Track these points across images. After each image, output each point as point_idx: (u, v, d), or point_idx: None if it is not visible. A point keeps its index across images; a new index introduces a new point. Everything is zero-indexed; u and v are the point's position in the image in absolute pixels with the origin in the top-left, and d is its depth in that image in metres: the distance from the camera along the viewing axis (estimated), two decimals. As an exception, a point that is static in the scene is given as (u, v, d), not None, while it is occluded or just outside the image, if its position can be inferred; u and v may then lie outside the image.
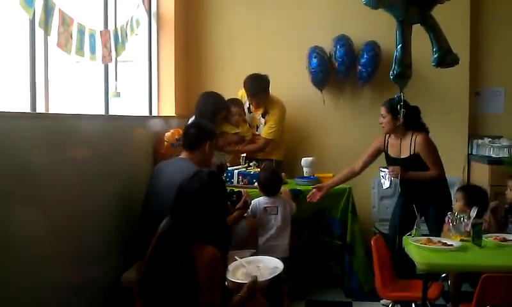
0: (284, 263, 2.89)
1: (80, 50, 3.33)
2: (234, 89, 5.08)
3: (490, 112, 5.53)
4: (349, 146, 4.95)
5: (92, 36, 3.49)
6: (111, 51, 3.83)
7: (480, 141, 5.26)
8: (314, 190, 4.18)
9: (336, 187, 4.25)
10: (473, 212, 3.25)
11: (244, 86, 4.89)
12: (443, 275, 3.66)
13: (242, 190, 3.92)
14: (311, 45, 5.28)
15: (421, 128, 4.00)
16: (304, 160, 4.68)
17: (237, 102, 4.90)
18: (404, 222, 3.62)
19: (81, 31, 3.33)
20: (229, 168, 4.43)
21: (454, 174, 5.18)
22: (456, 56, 3.31)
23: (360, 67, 5.19)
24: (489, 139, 5.20)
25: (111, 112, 4.07)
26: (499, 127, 5.43)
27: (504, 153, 5.01)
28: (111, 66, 4.06)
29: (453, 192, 4.11)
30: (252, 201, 3.94)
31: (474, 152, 5.32)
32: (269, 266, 2.82)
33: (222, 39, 5.59)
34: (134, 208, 3.64)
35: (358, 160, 4.25)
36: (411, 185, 3.80)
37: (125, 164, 3.78)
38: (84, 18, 3.41)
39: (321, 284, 4.50)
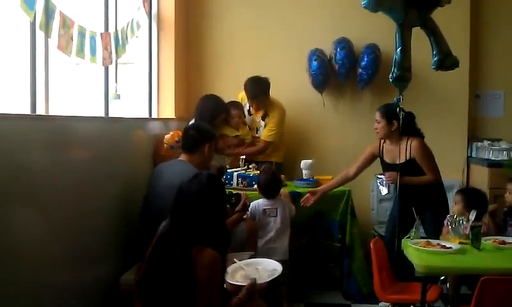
0: (283, 266, 2.90)
1: (80, 52, 3.34)
2: (234, 92, 5.09)
3: (490, 115, 5.54)
4: (348, 149, 4.95)
5: (93, 39, 3.50)
6: (111, 53, 3.84)
7: (479, 144, 5.26)
8: (308, 194, 4.18)
9: (336, 189, 4.25)
10: (472, 215, 3.26)
11: (245, 89, 4.89)
12: (442, 277, 3.66)
13: (241, 192, 3.92)
14: (311, 47, 5.29)
15: (416, 133, 4.00)
16: (304, 163, 4.69)
17: (237, 105, 4.90)
18: (401, 225, 3.63)
19: (82, 33, 3.34)
20: (228, 170, 4.44)
21: (453, 176, 5.19)
22: (456, 59, 3.32)
23: (360, 70, 5.19)
24: (489, 142, 5.20)
25: (111, 114, 4.07)
26: (499, 130, 5.44)
27: (503, 156, 5.02)
28: (111, 68, 4.07)
29: (452, 194, 4.11)
30: (251, 204, 3.94)
31: (474, 155, 5.32)
32: (268, 268, 2.82)
33: (222, 41, 5.60)
34: (134, 210, 3.65)
35: (352, 166, 4.25)
36: (407, 190, 3.80)
37: (124, 166, 3.79)
38: (85, 21, 3.41)
39: (320, 287, 4.50)
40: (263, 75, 4.85)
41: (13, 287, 2.44)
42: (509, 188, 3.84)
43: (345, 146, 5.20)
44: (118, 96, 4.09)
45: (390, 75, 3.22)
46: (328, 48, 5.28)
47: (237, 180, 4.37)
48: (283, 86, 5.16)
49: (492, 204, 3.95)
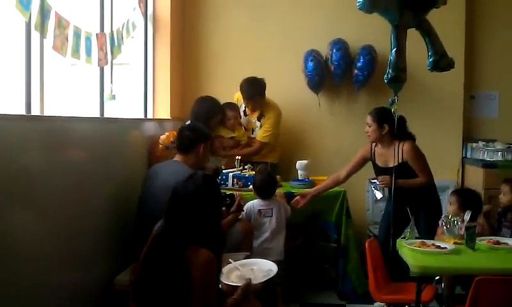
0: (279, 266, 2.90)
1: (76, 52, 3.33)
2: (230, 92, 5.09)
3: (485, 116, 5.56)
4: (344, 150, 4.94)
5: (88, 39, 3.50)
6: (106, 54, 3.84)
7: (474, 145, 5.28)
8: (298, 197, 4.18)
9: (331, 190, 4.26)
10: (467, 216, 3.27)
11: (240, 89, 4.89)
12: (437, 278, 3.67)
13: (235, 193, 3.92)
14: (307, 48, 5.30)
15: (407, 136, 4.01)
16: (299, 163, 4.69)
17: (232, 106, 4.90)
18: (395, 225, 3.64)
19: (77, 34, 3.33)
20: (224, 171, 4.44)
21: (448, 177, 5.21)
22: (451, 60, 3.33)
23: (356, 71, 5.20)
24: (484, 143, 5.22)
25: (106, 115, 4.06)
26: (493, 131, 5.46)
27: (497, 157, 5.04)
28: (107, 68, 4.06)
29: (447, 195, 4.12)
30: (246, 204, 3.94)
31: (468, 155, 5.34)
32: (263, 269, 2.82)
33: (218, 42, 5.60)
34: (129, 211, 3.64)
35: (343, 169, 4.25)
36: (401, 192, 3.81)
37: (120, 167, 3.78)
38: (80, 21, 3.41)
39: (315, 287, 4.50)
40: (259, 76, 4.86)
41: (6, 288, 2.43)
42: (504, 190, 3.85)
43: (340, 147, 5.20)
44: (114, 97, 4.08)
45: (385, 76, 3.23)
46: (324, 49, 5.29)
47: (233, 181, 4.37)
48: (279, 86, 5.16)
49: (487, 204, 3.96)
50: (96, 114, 4.01)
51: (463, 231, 3.19)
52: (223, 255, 2.72)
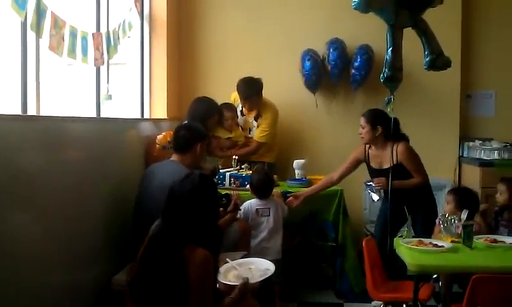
0: (276, 265, 2.91)
1: (72, 52, 3.32)
2: (227, 92, 5.08)
3: (481, 115, 5.57)
4: (341, 149, 4.91)
5: (84, 39, 3.49)
6: (103, 54, 3.83)
7: (471, 144, 5.28)
8: (291, 198, 4.18)
9: (328, 189, 4.25)
10: (464, 215, 3.27)
11: (237, 89, 4.89)
12: (435, 276, 3.67)
13: (231, 192, 3.91)
14: (304, 48, 5.30)
15: (401, 137, 4.00)
16: (296, 163, 4.69)
17: (230, 107, 4.90)
18: (392, 225, 3.64)
19: (73, 34, 3.32)
20: (221, 170, 4.43)
21: (445, 176, 5.22)
22: (448, 59, 3.34)
23: (353, 70, 5.20)
24: (480, 142, 5.23)
25: (102, 115, 4.06)
26: (490, 130, 5.47)
27: (494, 156, 5.04)
28: (103, 68, 4.05)
29: (444, 194, 4.13)
30: (244, 204, 3.94)
31: (465, 154, 5.34)
32: (260, 268, 2.82)
33: (215, 42, 5.60)
34: (126, 211, 3.63)
35: (336, 170, 4.25)
36: (396, 194, 3.80)
37: (117, 166, 3.78)
38: (77, 21, 3.40)
39: (313, 286, 4.51)
40: (256, 76, 4.85)
41: (11, 287, 2.44)
42: (500, 189, 3.86)
43: (337, 146, 5.18)
44: (110, 97, 4.08)
45: (381, 75, 3.23)
46: (321, 49, 5.29)
47: (230, 180, 4.37)
48: (276, 86, 5.16)
49: (484, 203, 3.97)
50: (92, 114, 4.00)
51: (460, 230, 3.19)
52: (220, 254, 2.72)
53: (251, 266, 2.86)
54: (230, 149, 4.82)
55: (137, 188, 3.68)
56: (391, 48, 3.16)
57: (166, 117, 5.12)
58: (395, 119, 3.92)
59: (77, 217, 3.13)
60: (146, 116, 5.12)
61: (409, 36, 3.25)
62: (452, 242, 3.14)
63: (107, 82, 4.11)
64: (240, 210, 3.87)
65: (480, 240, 3.18)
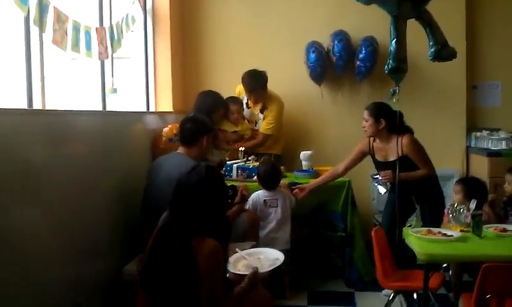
0: (285, 255, 2.91)
1: (75, 46, 3.31)
2: (232, 85, 5.07)
3: (488, 106, 5.53)
4: (347, 140, 4.90)
5: (87, 33, 3.48)
6: (107, 48, 3.82)
7: (478, 134, 5.26)
8: (297, 190, 4.17)
9: (336, 180, 4.24)
10: (473, 204, 3.25)
11: (242, 82, 4.88)
12: (445, 265, 3.66)
13: (237, 184, 3.90)
14: (309, 40, 5.27)
15: (405, 130, 3.97)
16: (303, 154, 4.69)
17: (236, 100, 4.90)
18: (400, 215, 3.62)
19: (76, 28, 3.31)
20: (228, 162, 4.43)
21: (453, 166, 5.19)
22: (453, 50, 3.30)
23: (358, 62, 5.18)
24: (488, 132, 5.20)
25: (108, 109, 4.05)
26: (497, 120, 5.43)
27: (502, 146, 5.02)
28: (108, 62, 4.05)
29: (452, 184, 4.10)
30: (252, 195, 3.95)
31: (473, 145, 5.31)
32: (269, 257, 2.83)
33: (219, 34, 5.58)
34: (134, 203, 3.63)
35: (341, 162, 4.23)
36: (403, 186, 3.78)
37: (123, 160, 3.78)
38: (79, 15, 3.39)
39: (323, 275, 4.51)
40: (261, 68, 4.84)
41: (14, 281, 2.43)
42: (508, 179, 3.84)
43: (343, 137, 5.17)
44: (115, 91, 4.07)
45: (386, 66, 3.21)
46: (326, 41, 5.27)
47: (237, 172, 4.37)
48: (281, 78, 5.15)
49: (492, 193, 3.94)
50: (98, 107, 4.00)
51: (469, 219, 3.17)
52: (229, 245, 2.71)
53: (261, 256, 2.86)
54: (236, 142, 4.81)
55: (144, 180, 3.68)
56: (395, 40, 3.14)
57: (171, 110, 5.11)
58: (399, 113, 3.89)
59: (84, 210, 3.13)
60: (152, 109, 5.12)
61: (414, 27, 3.23)
62: (461, 231, 3.12)
63: (112, 76, 4.10)
64: (248, 201, 3.86)
65: (489, 229, 3.16)
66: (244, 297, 2.50)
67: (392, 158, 3.90)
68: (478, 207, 3.30)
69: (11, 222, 2.43)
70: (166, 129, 4.29)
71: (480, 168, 4.97)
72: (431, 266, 2.95)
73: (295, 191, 4.16)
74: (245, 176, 4.32)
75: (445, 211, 3.42)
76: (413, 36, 3.23)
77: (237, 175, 4.35)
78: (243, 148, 4.62)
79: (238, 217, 3.64)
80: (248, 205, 3.91)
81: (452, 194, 3.95)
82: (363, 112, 4.07)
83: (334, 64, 5.22)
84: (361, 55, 5.16)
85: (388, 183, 4.05)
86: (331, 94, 5.45)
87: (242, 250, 2.87)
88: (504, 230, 3.17)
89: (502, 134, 5.12)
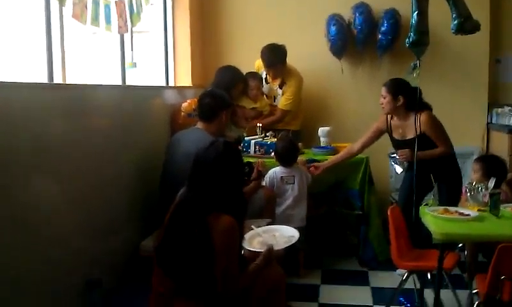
0: (301, 233, 2.92)
1: (95, 20, 3.32)
2: (251, 59, 5.05)
3: (511, 81, 5.41)
4: (366, 116, 4.84)
5: (107, 7, 3.48)
6: (126, 21, 3.82)
7: (500, 110, 5.15)
8: (312, 168, 4.15)
9: (354, 157, 4.22)
10: (491, 183, 3.21)
11: (261, 57, 4.85)
12: (460, 245, 3.64)
13: (253, 160, 3.90)
14: (329, 12, 5.20)
15: (424, 106, 3.90)
16: (321, 130, 4.67)
17: (255, 76, 4.86)
18: (417, 192, 3.59)
19: (96, 2, 3.31)
20: (246, 138, 4.44)
21: (473, 143, 5.13)
22: (477, 22, 3.23)
23: (380, 35, 5.10)
24: (510, 108, 5.08)
25: (128, 83, 4.07)
26: (520, 96, 5.33)
27: (524, 123, 4.92)
28: (127, 36, 4.05)
29: (471, 161, 4.05)
30: (269, 171, 3.96)
31: (494, 121, 5.22)
32: (285, 235, 2.85)
33: (238, 8, 5.54)
34: (153, 178, 3.68)
35: (357, 141, 4.19)
36: (420, 164, 3.74)
37: (142, 134, 3.82)
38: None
39: (337, 254, 4.52)
40: (280, 42, 4.80)
41: (33, 257, 2.49)
42: None
43: (363, 113, 5.11)
44: (135, 65, 4.08)
45: (407, 39, 3.17)
46: (347, 14, 5.20)
47: (255, 148, 4.37)
48: (301, 52, 5.10)
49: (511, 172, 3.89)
50: (118, 82, 4.02)
51: (487, 198, 3.14)
52: (245, 221, 2.73)
53: (276, 233, 2.88)
54: (255, 119, 4.80)
55: (163, 155, 3.71)
56: (416, 12, 3.09)
57: (190, 84, 5.12)
58: (418, 89, 3.84)
59: (105, 184, 3.19)
60: (171, 84, 5.13)
61: (436, 0, 3.17)
62: (478, 210, 3.10)
63: (132, 50, 4.11)
64: (264, 177, 3.87)
65: (507, 208, 3.13)
66: (259, 274, 2.52)
67: (410, 136, 3.86)
68: (497, 185, 3.27)
69: (31, 198, 2.48)
70: (184, 104, 4.31)
71: (501, 145, 4.89)
72: (446, 245, 2.94)
73: (311, 169, 4.15)
74: (263, 152, 4.33)
75: (463, 189, 3.39)
76: (435, 8, 3.17)
77: (254, 151, 4.36)
78: (261, 124, 4.62)
79: (255, 193, 3.65)
80: (264, 182, 3.91)
81: (471, 172, 3.91)
82: (381, 89, 4.01)
83: (355, 37, 5.15)
84: (383, 29, 5.08)
85: (405, 163, 4.01)
86: (351, 69, 5.40)
87: (257, 227, 2.90)
88: (522, 210, 3.14)
89: (525, 111, 5.02)
